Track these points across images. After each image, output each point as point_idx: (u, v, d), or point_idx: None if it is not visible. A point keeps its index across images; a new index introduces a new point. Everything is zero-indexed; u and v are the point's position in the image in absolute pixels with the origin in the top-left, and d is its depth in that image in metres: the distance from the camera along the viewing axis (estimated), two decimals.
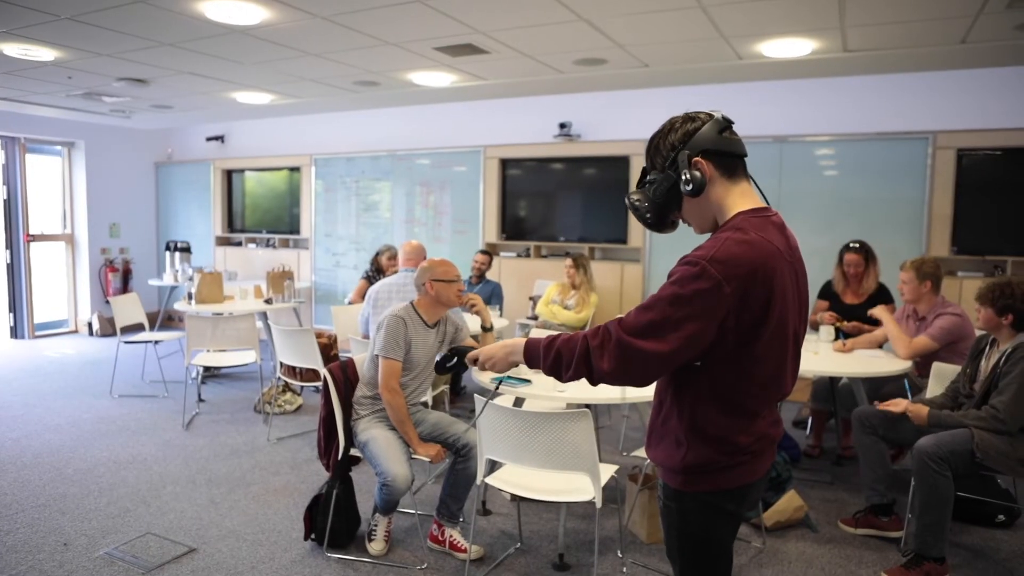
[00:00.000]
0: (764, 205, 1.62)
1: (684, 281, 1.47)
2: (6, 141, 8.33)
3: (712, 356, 1.53)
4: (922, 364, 3.99)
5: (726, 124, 1.60)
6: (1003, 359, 3.13)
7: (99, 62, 5.59)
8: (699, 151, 1.57)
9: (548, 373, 1.62)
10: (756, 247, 1.49)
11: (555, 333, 1.66)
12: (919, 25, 4.34)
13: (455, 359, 1.96)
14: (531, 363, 1.65)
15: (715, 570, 1.73)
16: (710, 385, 1.57)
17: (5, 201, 8.39)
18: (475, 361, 1.81)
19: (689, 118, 1.61)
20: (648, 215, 1.66)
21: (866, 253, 4.60)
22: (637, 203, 1.66)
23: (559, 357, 1.59)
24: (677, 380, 1.62)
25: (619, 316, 1.55)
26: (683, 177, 1.57)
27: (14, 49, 5.16)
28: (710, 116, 1.60)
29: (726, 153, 1.59)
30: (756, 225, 1.54)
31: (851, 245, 4.64)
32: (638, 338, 1.49)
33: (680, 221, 1.70)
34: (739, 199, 1.59)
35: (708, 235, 1.63)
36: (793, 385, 1.68)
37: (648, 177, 1.66)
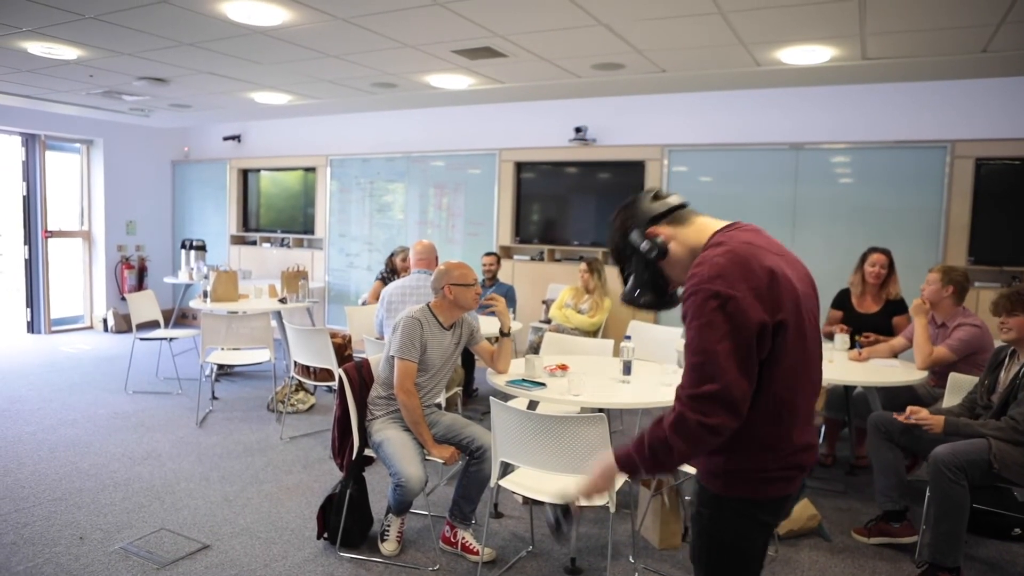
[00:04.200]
0: (729, 222, 1.68)
1: (698, 312, 1.50)
2: (27, 138, 8.43)
3: (761, 353, 1.53)
4: (938, 374, 3.96)
5: (654, 191, 1.74)
6: (1023, 370, 3.11)
7: (120, 61, 5.65)
8: (645, 224, 1.69)
9: (654, 471, 1.59)
10: (738, 251, 1.54)
11: (640, 433, 1.61)
12: (940, 34, 4.32)
13: (565, 514, 1.76)
14: (631, 470, 1.61)
15: None
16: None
17: (24, 197, 8.48)
18: (574, 504, 1.73)
19: (623, 207, 1.75)
20: (647, 296, 1.73)
21: (891, 257, 4.58)
22: (636, 296, 1.74)
23: (653, 450, 1.55)
24: None
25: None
26: (646, 249, 1.67)
27: (38, 47, 5.23)
28: (637, 196, 1.74)
29: (668, 212, 1.70)
30: (729, 235, 1.60)
31: (876, 247, 4.62)
32: (703, 384, 1.49)
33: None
34: (703, 231, 1.66)
35: None
36: (820, 376, 1.69)
37: (625, 274, 1.77)
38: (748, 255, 1.53)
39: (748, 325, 1.47)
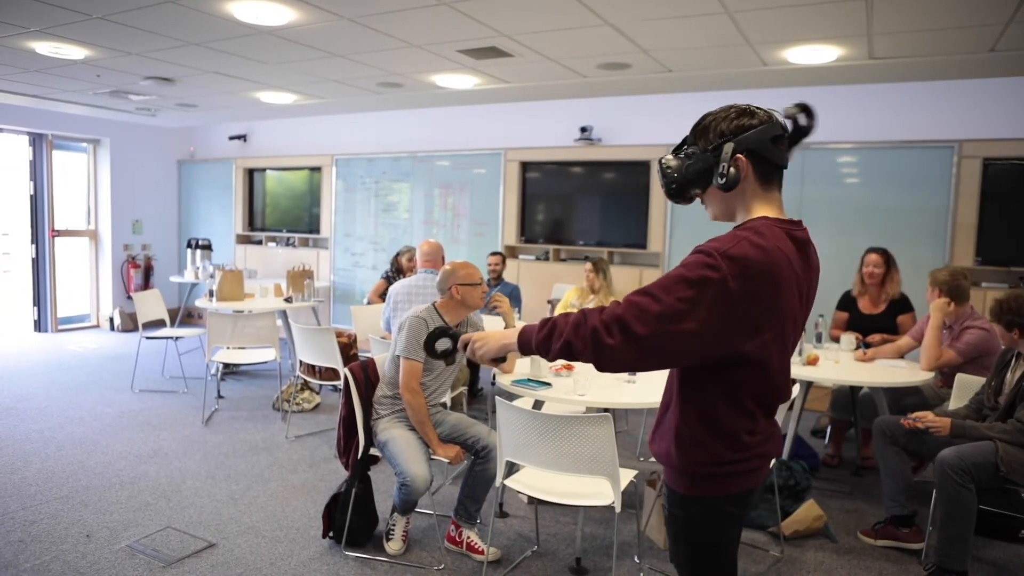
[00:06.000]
0: (792, 219, 1.61)
1: (694, 266, 1.46)
2: (34, 138, 8.47)
3: (718, 353, 1.51)
4: (946, 375, 3.95)
5: (780, 133, 1.58)
6: None
7: (127, 61, 5.67)
8: (744, 149, 1.55)
9: (538, 348, 1.57)
10: (770, 254, 1.48)
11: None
12: (947, 33, 4.31)
13: (447, 341, 1.80)
14: (524, 348, 1.61)
15: (725, 572, 1.75)
16: (716, 383, 1.58)
17: (32, 196, 8.52)
18: (466, 346, 1.74)
19: (747, 112, 1.57)
20: (673, 184, 1.63)
21: (887, 256, 4.57)
22: (667, 170, 1.63)
23: (552, 329, 1.54)
24: (683, 379, 1.63)
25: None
26: (720, 168, 1.55)
27: (46, 47, 5.25)
28: (769, 118, 1.57)
29: (768, 160, 1.58)
30: (776, 234, 1.52)
31: (873, 247, 4.62)
32: (635, 313, 1.46)
33: (697, 199, 1.68)
34: (765, 205, 1.60)
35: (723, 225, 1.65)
36: (789, 392, 1.70)
37: (687, 149, 1.62)
38: (771, 263, 1.48)
39: (717, 308, 1.43)
